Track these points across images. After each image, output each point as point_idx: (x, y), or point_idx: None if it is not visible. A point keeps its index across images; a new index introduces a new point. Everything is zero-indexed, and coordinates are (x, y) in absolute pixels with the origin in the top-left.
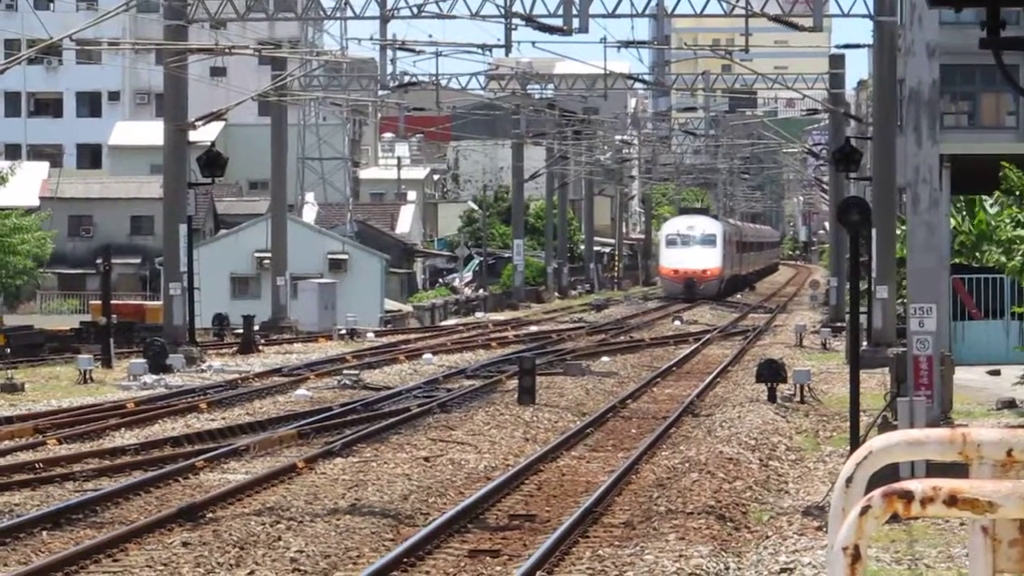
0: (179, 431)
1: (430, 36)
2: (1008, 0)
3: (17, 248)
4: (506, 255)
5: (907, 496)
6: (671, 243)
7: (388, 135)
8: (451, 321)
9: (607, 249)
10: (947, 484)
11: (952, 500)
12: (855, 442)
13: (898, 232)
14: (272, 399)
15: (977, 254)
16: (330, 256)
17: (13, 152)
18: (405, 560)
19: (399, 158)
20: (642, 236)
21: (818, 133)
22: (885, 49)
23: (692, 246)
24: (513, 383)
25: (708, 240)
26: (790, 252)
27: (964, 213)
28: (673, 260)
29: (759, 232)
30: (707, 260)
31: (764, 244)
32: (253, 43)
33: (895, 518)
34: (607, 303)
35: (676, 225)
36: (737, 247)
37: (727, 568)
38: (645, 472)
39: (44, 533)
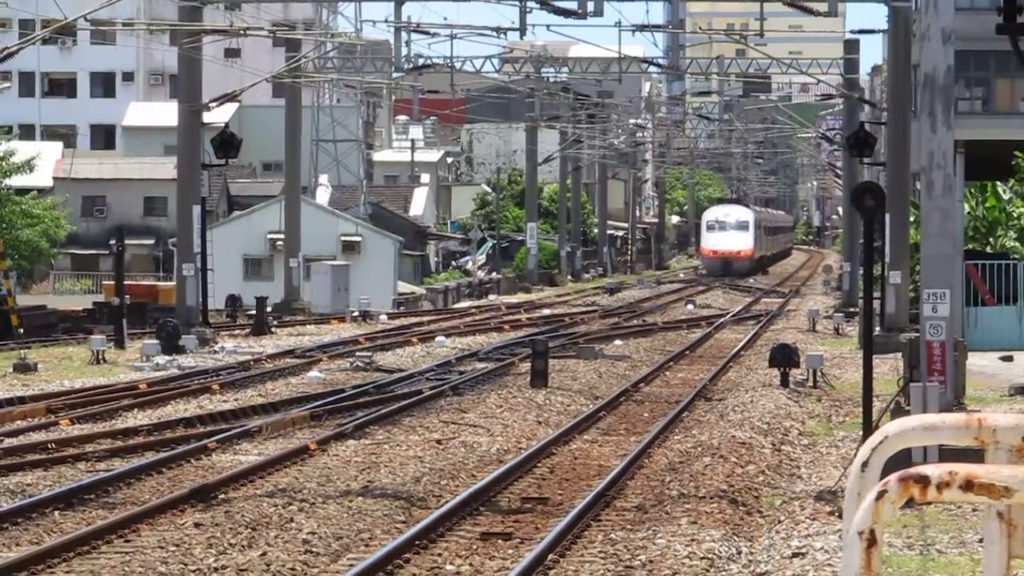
0: (191, 412)
1: (444, 18)
2: None
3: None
4: (519, 238)
5: (923, 481)
6: (710, 228)
7: (402, 117)
8: (464, 304)
9: (620, 233)
10: (963, 469)
11: (968, 485)
12: (868, 427)
13: (912, 218)
14: (284, 381)
15: (991, 240)
16: (343, 238)
17: (28, 132)
18: (417, 542)
19: (413, 140)
20: (655, 220)
21: (832, 118)
22: (900, 34)
23: (728, 231)
24: (526, 366)
25: (742, 226)
26: (804, 237)
27: (978, 199)
28: (712, 243)
29: (779, 217)
30: (741, 243)
31: (782, 229)
32: (267, 24)
33: (910, 503)
34: (620, 287)
35: (715, 213)
36: (765, 231)
37: (739, 552)
38: (657, 456)
39: (56, 513)
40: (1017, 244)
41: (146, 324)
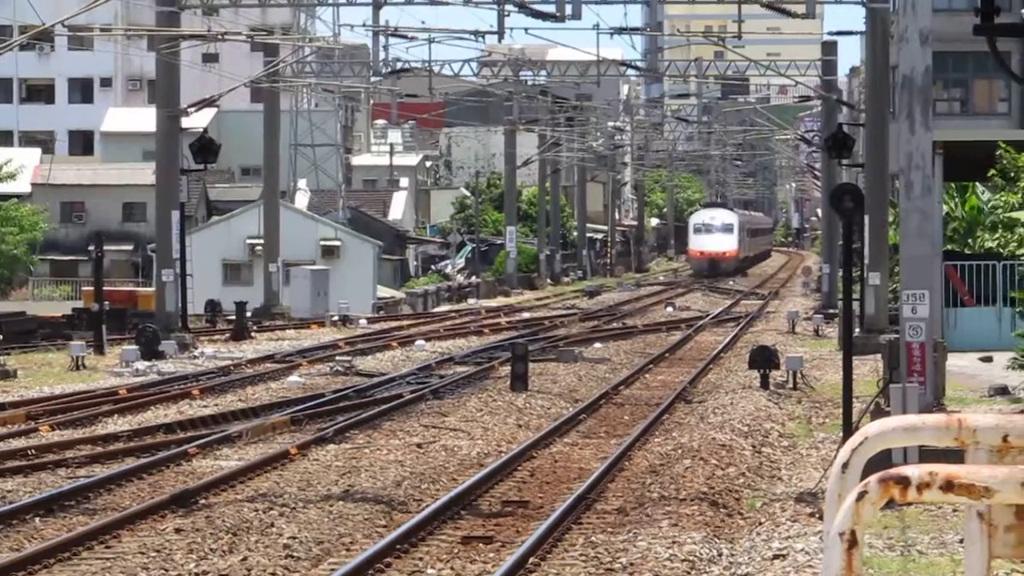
0: (172, 417)
1: (423, 22)
2: None
3: (6, 238)
4: (498, 242)
5: (904, 482)
6: (697, 230)
7: (380, 122)
8: (443, 308)
9: (600, 236)
10: (943, 470)
11: (948, 486)
12: (848, 429)
13: (891, 219)
14: (265, 385)
15: (970, 241)
16: (322, 243)
17: (6, 138)
18: (398, 546)
19: (391, 144)
20: (635, 223)
21: (810, 120)
22: (878, 36)
23: (714, 233)
24: (506, 370)
25: (727, 228)
26: (783, 239)
27: (957, 200)
28: (699, 244)
29: (760, 220)
30: (726, 244)
31: (763, 230)
32: (245, 29)
33: (891, 504)
34: (600, 289)
35: (701, 216)
36: (748, 233)
37: (720, 554)
38: (638, 459)
39: (37, 519)
40: (993, 246)
41: (126, 330)
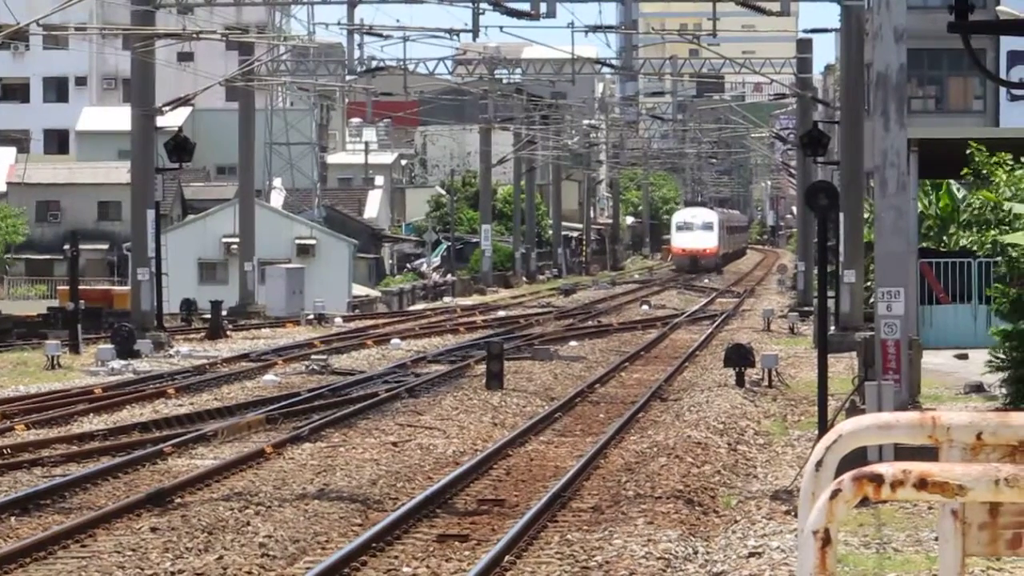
0: (147, 416)
1: (397, 21)
2: None
3: None
4: (474, 240)
5: (877, 480)
6: (679, 228)
7: (356, 120)
8: (419, 306)
9: (575, 234)
10: (917, 468)
11: (922, 483)
12: (823, 426)
13: (866, 216)
14: (240, 384)
15: (944, 238)
16: (298, 241)
17: None
18: (374, 545)
19: (367, 143)
20: (610, 221)
21: (786, 118)
22: (852, 33)
23: (696, 231)
24: (481, 368)
25: (708, 226)
26: (758, 236)
27: (932, 197)
28: (681, 242)
29: (737, 218)
30: (707, 241)
31: (740, 228)
32: (220, 28)
33: (865, 501)
34: (575, 288)
35: (683, 215)
36: (727, 231)
37: (695, 552)
38: (613, 457)
39: (12, 519)
40: (967, 244)
41: (101, 329)
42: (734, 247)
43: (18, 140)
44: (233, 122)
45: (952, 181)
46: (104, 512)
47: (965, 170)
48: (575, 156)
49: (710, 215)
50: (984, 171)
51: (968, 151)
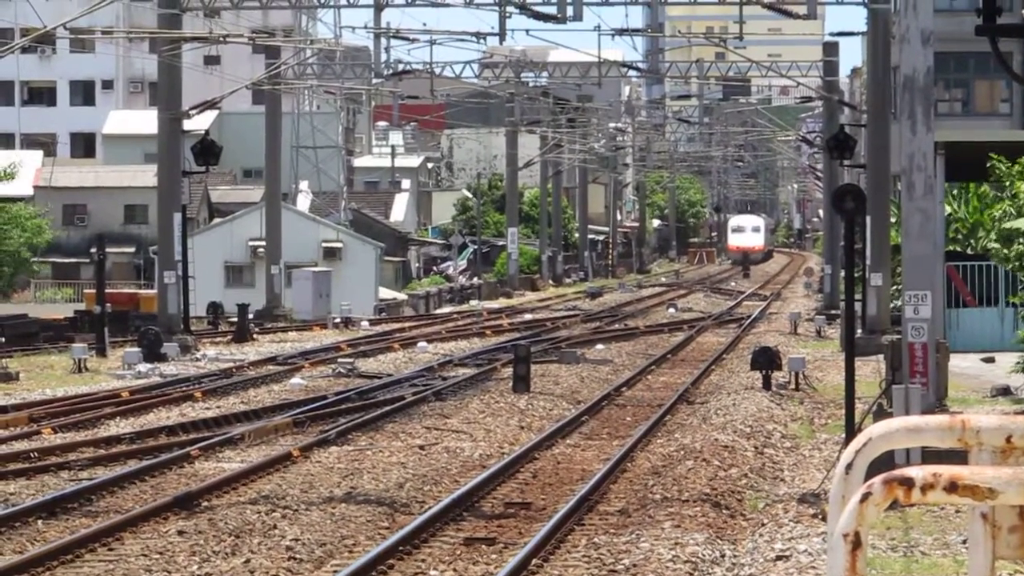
0: (174, 420)
1: (424, 24)
2: None
3: (10, 234)
4: (500, 243)
5: (908, 483)
6: (734, 231)
7: (382, 123)
8: (445, 309)
9: (601, 237)
10: (947, 471)
11: (952, 487)
12: (850, 430)
13: (892, 219)
14: (267, 388)
15: (972, 241)
16: (324, 244)
17: (7, 141)
18: (401, 548)
19: (393, 146)
20: (636, 224)
21: (812, 121)
22: (879, 36)
23: (747, 232)
24: (508, 371)
25: (756, 229)
26: (784, 239)
27: (959, 200)
28: (736, 241)
29: (772, 223)
30: (756, 241)
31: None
32: (247, 31)
33: (895, 505)
34: (601, 291)
35: (737, 220)
36: (770, 232)
37: (723, 555)
38: (640, 460)
39: (39, 522)
40: (997, 245)
41: (128, 332)
42: (774, 244)
43: (45, 143)
44: (260, 125)
45: (980, 184)
46: (131, 515)
47: (985, 184)
48: (601, 159)
49: (757, 220)
50: (1006, 181)
51: (988, 164)
